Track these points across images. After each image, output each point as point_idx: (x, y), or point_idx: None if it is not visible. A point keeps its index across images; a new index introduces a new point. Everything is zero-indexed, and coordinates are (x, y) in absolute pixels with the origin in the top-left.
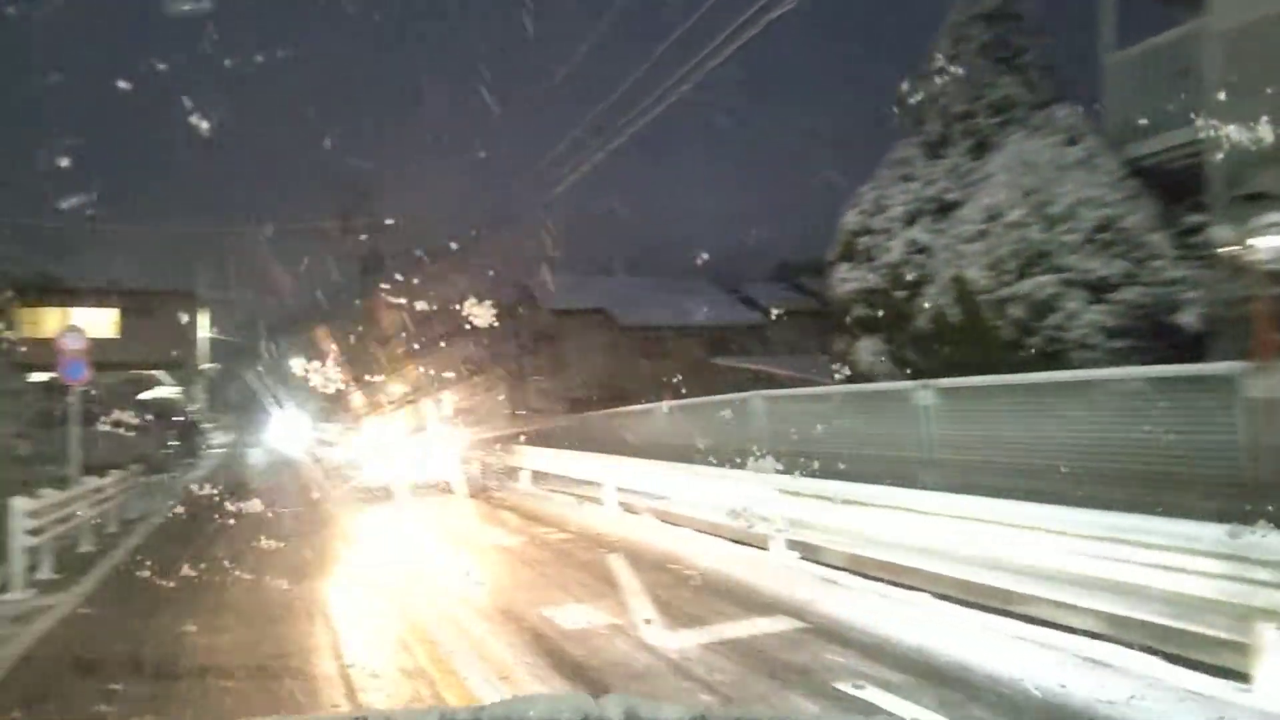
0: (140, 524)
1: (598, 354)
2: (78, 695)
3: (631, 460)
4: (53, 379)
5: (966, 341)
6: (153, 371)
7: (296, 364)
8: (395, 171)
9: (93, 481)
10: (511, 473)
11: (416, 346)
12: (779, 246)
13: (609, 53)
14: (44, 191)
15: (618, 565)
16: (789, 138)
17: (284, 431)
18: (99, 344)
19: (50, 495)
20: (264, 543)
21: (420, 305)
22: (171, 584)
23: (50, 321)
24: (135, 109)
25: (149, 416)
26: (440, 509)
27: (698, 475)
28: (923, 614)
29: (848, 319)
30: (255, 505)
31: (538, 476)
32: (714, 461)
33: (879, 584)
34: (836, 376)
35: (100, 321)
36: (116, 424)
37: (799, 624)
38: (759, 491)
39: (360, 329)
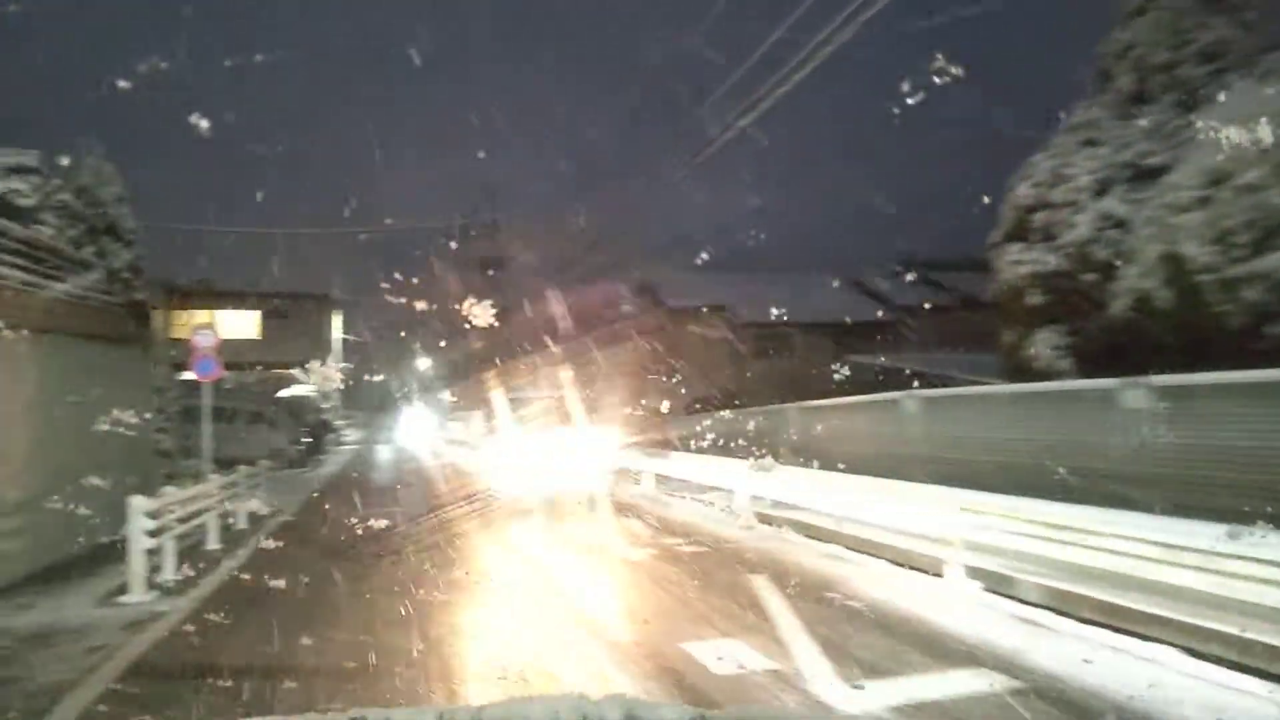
0: (269, 521)
1: (716, 352)
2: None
3: (734, 460)
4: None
5: (1180, 330)
6: (291, 370)
7: (424, 364)
8: (518, 173)
9: (217, 479)
10: (633, 476)
11: (538, 345)
12: (901, 238)
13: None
14: (188, 196)
15: (764, 589)
16: (906, 121)
17: (413, 429)
18: (242, 344)
19: (172, 493)
20: (385, 549)
21: (541, 304)
22: (290, 591)
23: (199, 322)
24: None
25: (284, 413)
26: (571, 515)
27: (848, 485)
28: (1175, 678)
29: (1019, 307)
30: (381, 506)
31: (659, 480)
32: (851, 469)
33: (1102, 631)
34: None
35: (243, 323)
36: (254, 419)
37: (1011, 682)
38: (930, 507)
39: (484, 330)
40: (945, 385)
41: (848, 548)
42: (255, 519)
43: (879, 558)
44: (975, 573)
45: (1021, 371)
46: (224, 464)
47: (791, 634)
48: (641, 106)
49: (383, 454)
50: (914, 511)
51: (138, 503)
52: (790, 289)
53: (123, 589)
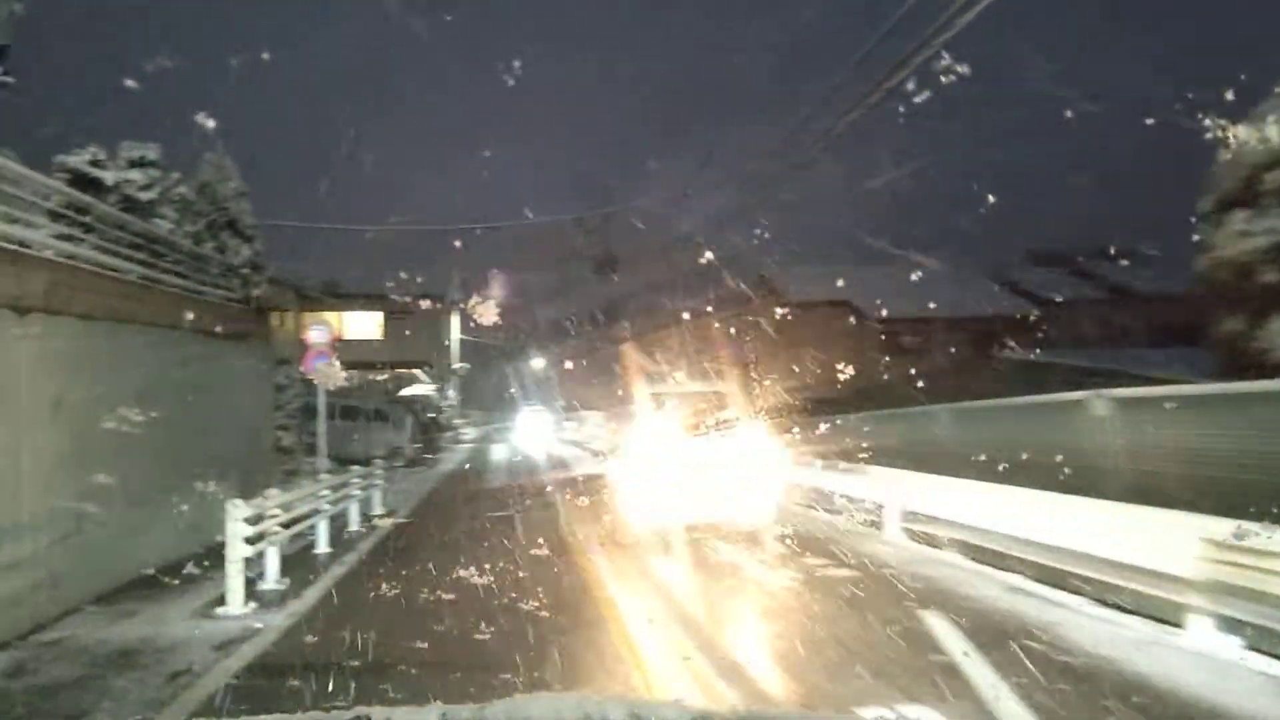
0: (381, 523)
1: (840, 350)
2: None
3: (916, 475)
4: None
5: None
6: (412, 370)
7: (541, 363)
8: (635, 170)
9: (330, 478)
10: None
11: (657, 344)
12: (1034, 228)
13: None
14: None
15: (942, 631)
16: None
17: (529, 429)
18: (366, 345)
19: (275, 496)
20: (501, 559)
21: (658, 302)
22: (397, 603)
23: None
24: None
25: (403, 412)
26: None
27: (1022, 501)
28: None
29: (1247, 288)
30: (496, 514)
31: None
32: (1020, 480)
33: None
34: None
35: (368, 324)
36: (374, 417)
37: None
38: (1151, 533)
39: (600, 326)
40: (1120, 384)
41: (1032, 578)
42: (368, 520)
43: (1078, 594)
44: (1230, 624)
45: (1248, 367)
46: (343, 461)
47: (999, 702)
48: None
49: (498, 453)
50: (1134, 539)
51: (235, 509)
52: (921, 282)
53: (223, 599)
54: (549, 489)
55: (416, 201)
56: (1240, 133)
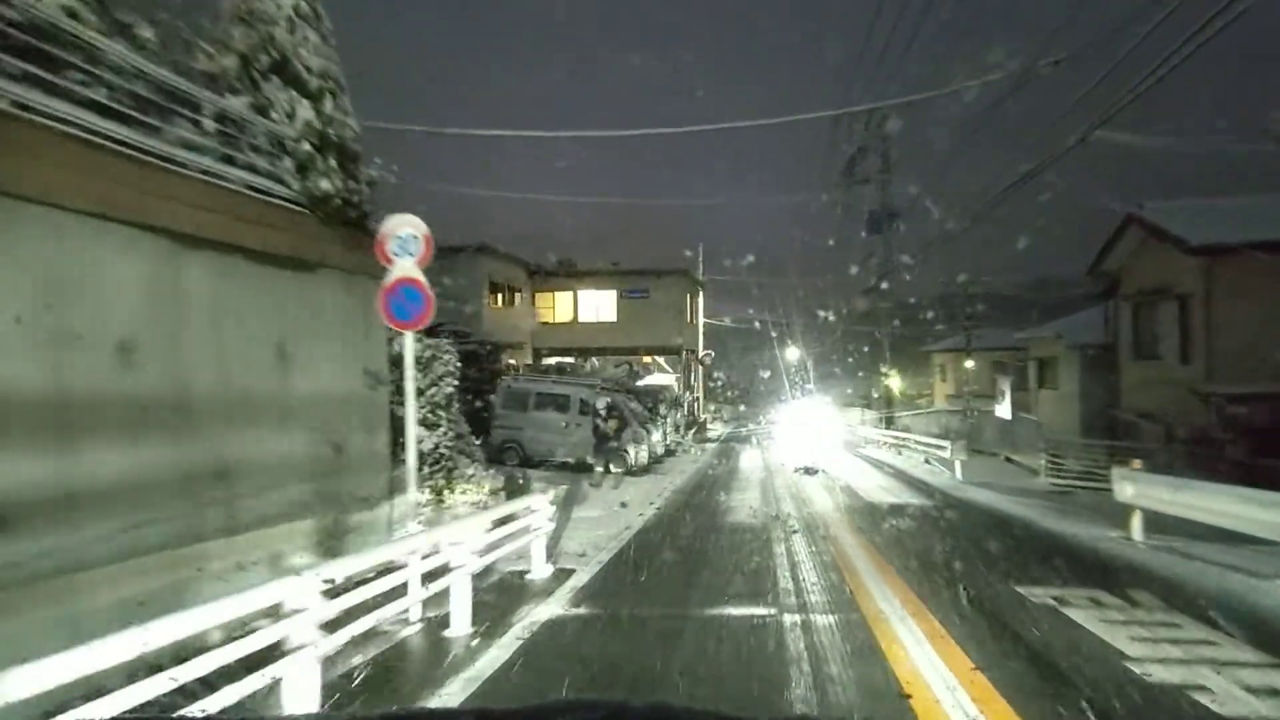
0: (556, 589)
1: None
2: None
3: None
4: (559, 362)
5: None
6: (650, 356)
7: (797, 354)
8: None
9: (474, 521)
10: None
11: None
12: None
13: None
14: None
15: None
16: None
17: (791, 431)
18: (598, 328)
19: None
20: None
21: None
22: None
23: (561, 304)
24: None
25: (620, 405)
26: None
27: None
28: None
29: None
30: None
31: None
32: None
33: None
34: None
35: (600, 304)
36: (584, 410)
37: None
38: None
39: (882, 299)
40: None
41: None
42: (558, 566)
43: None
44: None
45: None
46: (529, 464)
47: None
48: None
49: (750, 462)
50: None
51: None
52: None
53: None
54: (848, 544)
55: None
56: None
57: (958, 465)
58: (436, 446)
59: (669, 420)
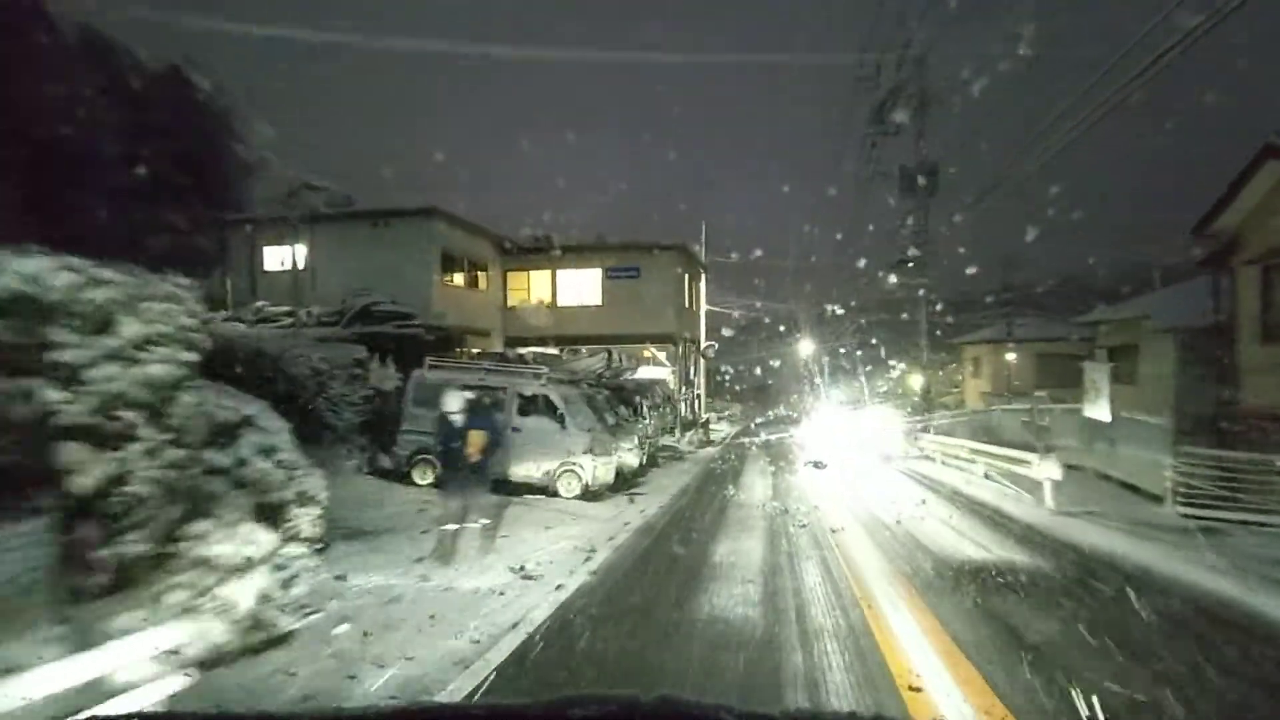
0: None
1: None
2: None
3: None
4: (532, 353)
5: None
6: (642, 346)
7: (810, 347)
8: None
9: None
10: None
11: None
12: None
13: None
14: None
15: None
16: None
17: (824, 435)
18: (583, 314)
19: None
20: None
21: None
22: None
23: (538, 285)
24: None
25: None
26: None
27: None
28: None
29: None
30: None
31: None
32: None
33: None
34: None
35: (584, 286)
36: (533, 408)
37: None
38: None
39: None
40: None
41: None
42: None
43: None
44: None
45: None
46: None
47: None
48: None
49: (758, 475)
50: None
51: None
52: None
53: None
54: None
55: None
56: None
57: (1047, 487)
58: (121, 479)
59: (657, 421)
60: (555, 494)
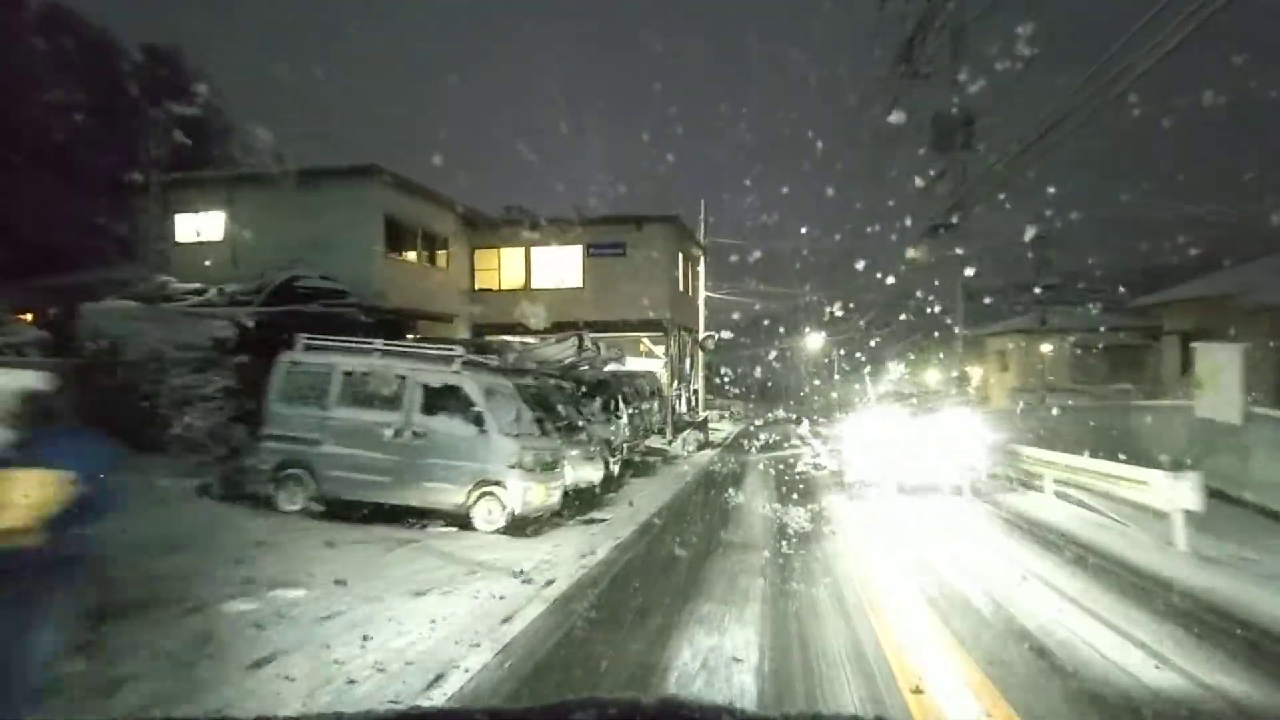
0: None
1: None
2: None
3: None
4: (493, 341)
5: None
6: (646, 347)
7: (819, 340)
8: None
9: None
10: None
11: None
12: None
13: None
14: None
15: None
16: None
17: (851, 442)
18: (562, 297)
19: None
20: None
21: None
22: None
23: (510, 265)
24: None
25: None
26: None
27: None
28: None
29: None
30: None
31: None
32: None
33: None
34: None
35: (562, 264)
36: (429, 409)
37: None
38: None
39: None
40: None
41: None
42: None
43: None
44: None
45: None
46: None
47: None
48: None
49: (766, 488)
50: None
51: None
52: None
53: None
54: None
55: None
56: None
57: (1179, 522)
58: None
59: (639, 421)
60: (470, 526)
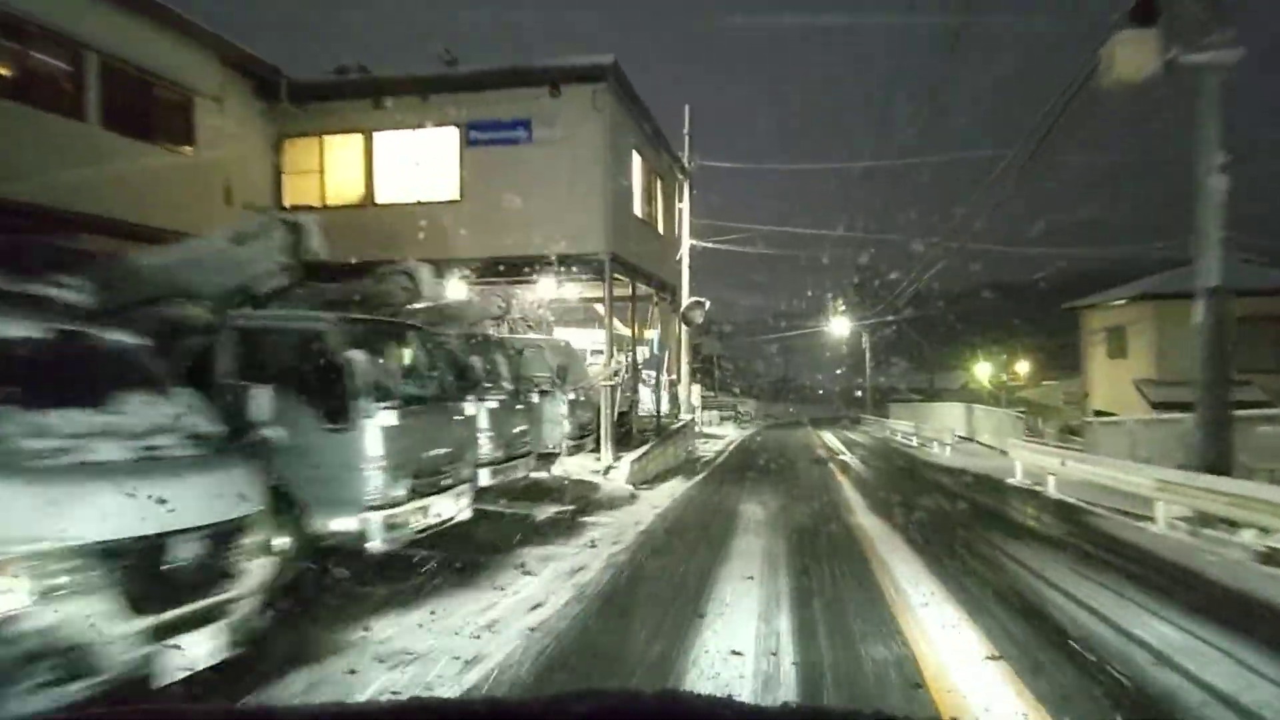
0: None
1: None
2: None
3: None
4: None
5: None
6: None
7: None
8: None
9: None
10: None
11: None
12: None
13: None
14: None
15: None
16: None
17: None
18: (427, 210)
19: None
20: None
21: None
22: None
23: (341, 162)
24: None
25: None
26: None
27: None
28: None
29: None
30: None
31: None
32: None
33: None
34: None
35: (426, 159)
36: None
37: None
38: None
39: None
40: None
41: None
42: None
43: None
44: None
45: None
46: None
47: None
48: None
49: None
50: None
51: None
52: None
53: None
54: None
55: None
56: None
57: None
58: None
59: (504, 424)
60: None
